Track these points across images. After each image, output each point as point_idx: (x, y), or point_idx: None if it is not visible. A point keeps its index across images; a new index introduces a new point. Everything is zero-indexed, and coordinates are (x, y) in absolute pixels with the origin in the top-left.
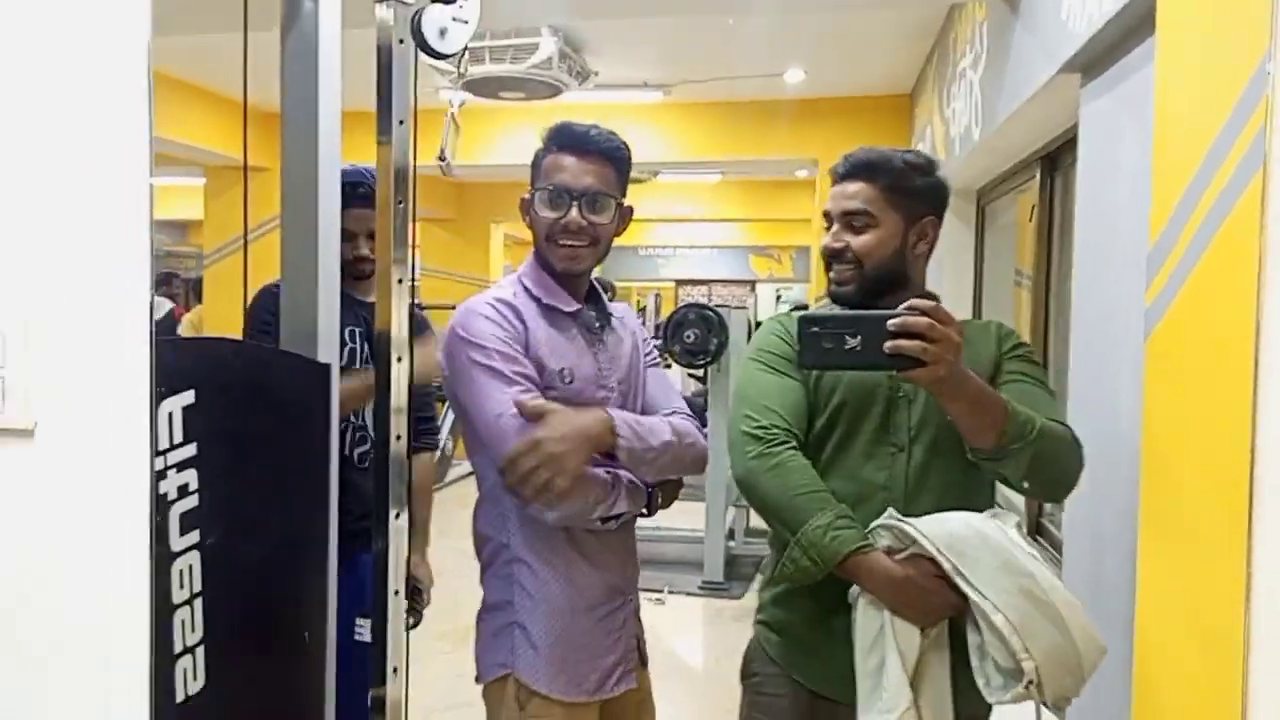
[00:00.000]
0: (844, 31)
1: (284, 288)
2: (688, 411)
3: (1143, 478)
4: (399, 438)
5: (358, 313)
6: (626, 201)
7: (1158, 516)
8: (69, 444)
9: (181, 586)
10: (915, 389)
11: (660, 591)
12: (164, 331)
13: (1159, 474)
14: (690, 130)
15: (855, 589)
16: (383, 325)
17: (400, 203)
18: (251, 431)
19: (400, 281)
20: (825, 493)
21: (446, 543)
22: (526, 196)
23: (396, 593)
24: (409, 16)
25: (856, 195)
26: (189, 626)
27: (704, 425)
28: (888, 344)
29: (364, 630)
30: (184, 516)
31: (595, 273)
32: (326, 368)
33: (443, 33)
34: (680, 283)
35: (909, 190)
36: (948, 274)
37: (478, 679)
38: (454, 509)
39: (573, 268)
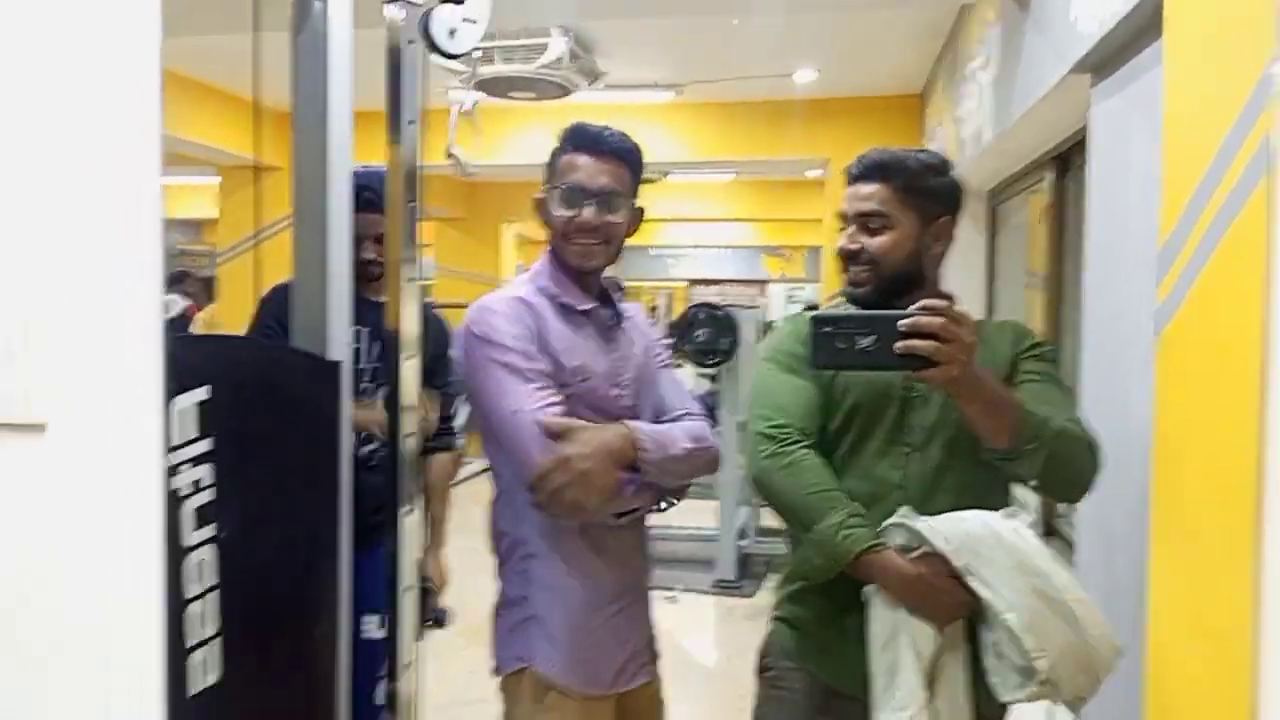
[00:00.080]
0: (855, 32)
1: (295, 286)
2: (699, 412)
3: (1153, 477)
4: (409, 435)
5: (365, 313)
6: (638, 202)
7: (1168, 516)
8: (79, 439)
9: (195, 581)
10: (930, 389)
11: (673, 590)
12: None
13: (1169, 473)
14: (701, 130)
15: (870, 588)
16: (393, 324)
17: (410, 201)
18: (264, 427)
19: (410, 280)
20: (838, 492)
21: (459, 540)
22: (541, 195)
23: (409, 589)
24: (419, 17)
25: (872, 196)
26: (203, 620)
27: (715, 424)
28: (900, 344)
29: (369, 627)
30: (198, 511)
31: (605, 272)
32: (337, 365)
33: (452, 33)
34: (692, 282)
35: (924, 190)
36: (959, 275)
37: (495, 672)
38: (467, 505)
39: (586, 265)
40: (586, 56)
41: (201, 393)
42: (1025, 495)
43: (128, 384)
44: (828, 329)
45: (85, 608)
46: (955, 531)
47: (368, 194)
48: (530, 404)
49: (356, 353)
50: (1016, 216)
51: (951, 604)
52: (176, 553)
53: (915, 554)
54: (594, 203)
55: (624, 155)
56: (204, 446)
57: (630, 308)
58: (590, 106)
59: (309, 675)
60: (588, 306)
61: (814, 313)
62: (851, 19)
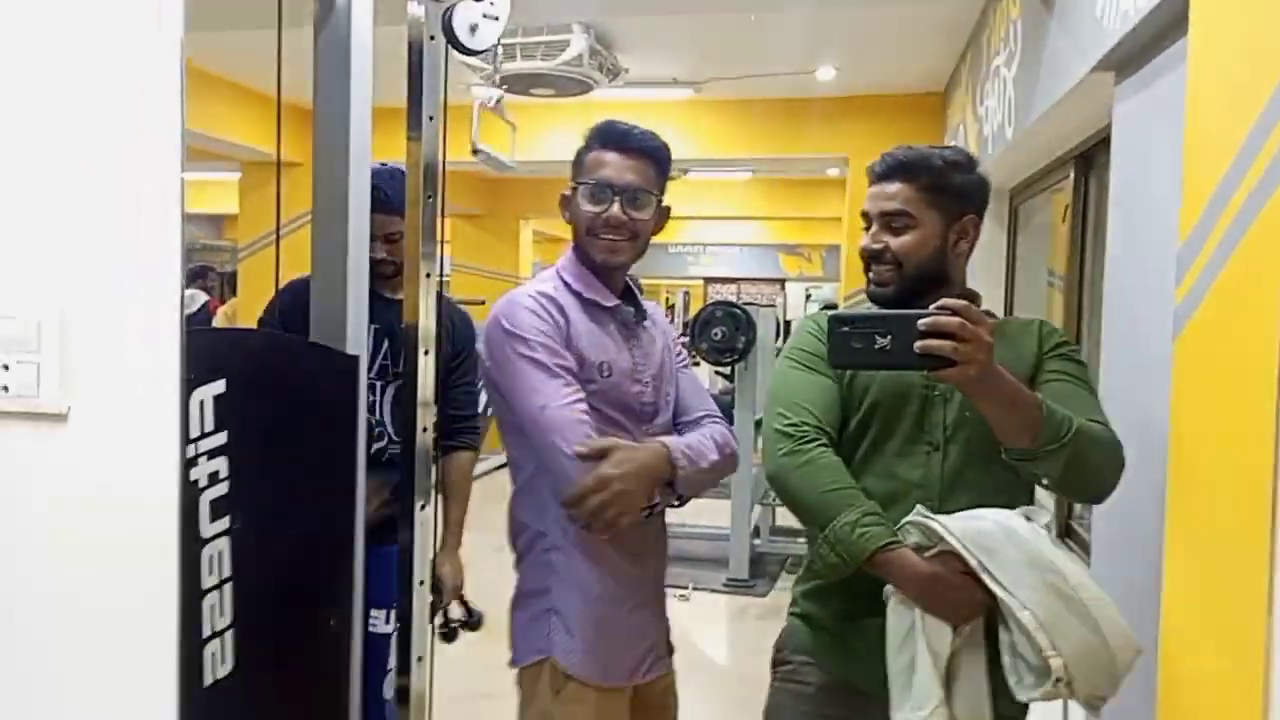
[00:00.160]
0: (877, 29)
1: (314, 281)
2: (719, 413)
3: (1169, 478)
4: (425, 430)
5: (377, 311)
6: (664, 201)
7: (1184, 517)
8: (101, 429)
9: (211, 572)
10: (951, 387)
11: (685, 588)
12: (198, 323)
13: (1186, 474)
14: (720, 128)
15: (889, 587)
16: (411, 318)
17: (430, 197)
18: (280, 421)
19: (428, 275)
20: (855, 490)
21: (469, 536)
22: (567, 192)
23: (421, 583)
24: (440, 13)
25: (895, 196)
26: (218, 611)
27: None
28: (918, 344)
29: (378, 621)
30: (214, 503)
31: None
32: (354, 359)
33: (473, 29)
34: (709, 280)
35: (949, 189)
36: (979, 275)
37: (513, 663)
38: (478, 502)
39: (612, 260)
40: (607, 53)
41: (219, 386)
42: (1042, 495)
43: (147, 376)
44: (846, 328)
45: (103, 596)
46: (969, 530)
47: (377, 193)
48: (557, 400)
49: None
50: (1038, 216)
51: (966, 602)
52: (193, 543)
53: (931, 552)
54: (621, 199)
55: (651, 153)
56: (221, 439)
57: (649, 306)
58: (609, 104)
59: (321, 668)
60: (612, 303)
61: (832, 312)
62: (873, 16)
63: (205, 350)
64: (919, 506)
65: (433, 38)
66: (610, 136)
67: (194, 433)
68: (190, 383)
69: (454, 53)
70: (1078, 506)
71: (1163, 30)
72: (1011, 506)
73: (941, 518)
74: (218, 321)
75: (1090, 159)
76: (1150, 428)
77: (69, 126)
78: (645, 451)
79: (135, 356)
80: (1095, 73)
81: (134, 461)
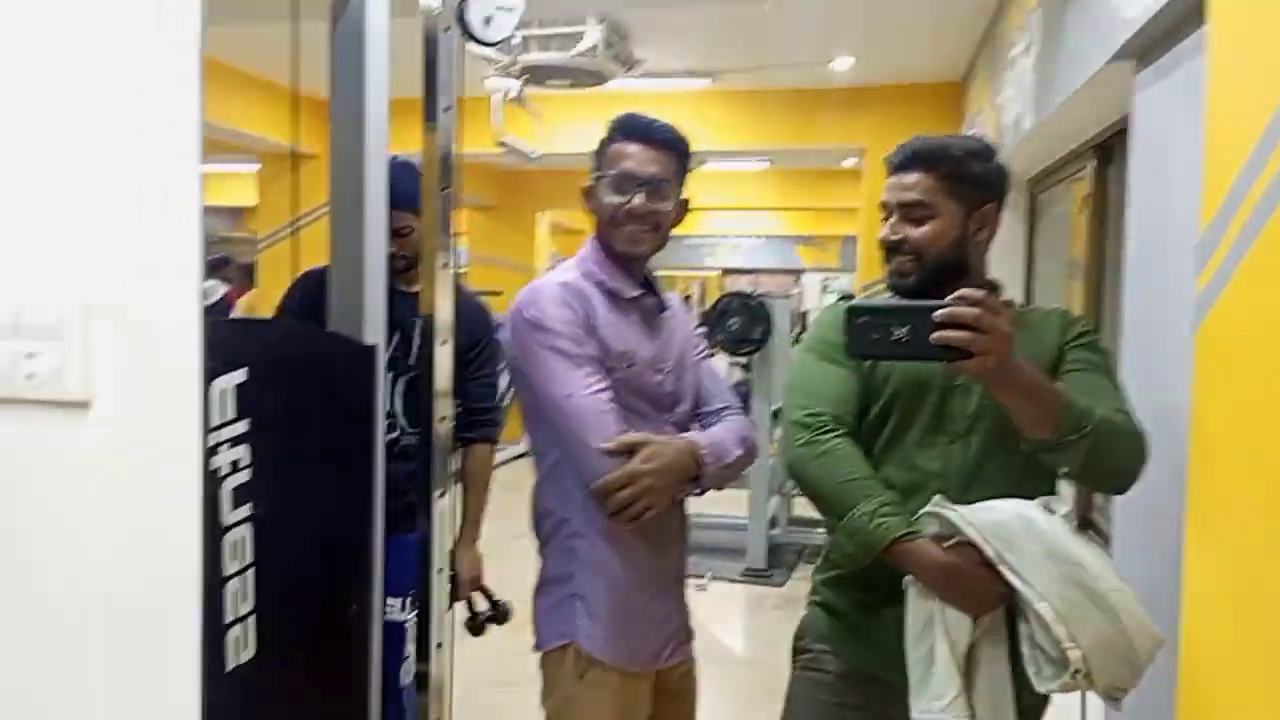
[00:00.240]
0: (894, 18)
1: (332, 271)
2: (738, 405)
3: (1190, 468)
4: (443, 419)
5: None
6: (685, 193)
7: (1205, 507)
8: (124, 417)
9: (234, 558)
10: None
11: (703, 578)
12: (219, 314)
13: (1207, 464)
14: (736, 118)
15: (909, 577)
16: (428, 309)
17: (446, 188)
18: (300, 409)
19: (445, 266)
20: (872, 480)
21: (488, 525)
22: (589, 184)
23: (440, 571)
24: (455, 4)
25: (914, 186)
26: (240, 597)
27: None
28: (935, 335)
29: (393, 609)
30: (236, 491)
31: None
32: (373, 349)
33: (488, 20)
34: (725, 271)
35: (968, 178)
36: (997, 265)
37: (536, 648)
38: (497, 490)
39: (634, 251)
40: (622, 44)
41: (240, 375)
42: (1062, 486)
43: (169, 365)
44: (863, 319)
45: (127, 582)
46: (987, 520)
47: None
48: (581, 389)
49: None
50: (1057, 206)
51: (984, 593)
52: (215, 530)
53: (950, 543)
54: (644, 190)
55: (673, 145)
56: (242, 428)
57: (671, 296)
58: (625, 95)
59: (342, 654)
60: (634, 293)
61: (849, 303)
62: (890, 5)
63: (226, 340)
64: (937, 497)
65: (448, 29)
66: (633, 128)
67: (215, 421)
68: (211, 372)
69: (470, 45)
70: (1097, 497)
71: (1182, 18)
72: (1032, 497)
73: (959, 508)
74: (237, 312)
75: (1109, 148)
76: (1170, 417)
77: (90, 119)
78: (673, 448)
79: (157, 346)
80: (1114, 61)
81: (156, 449)
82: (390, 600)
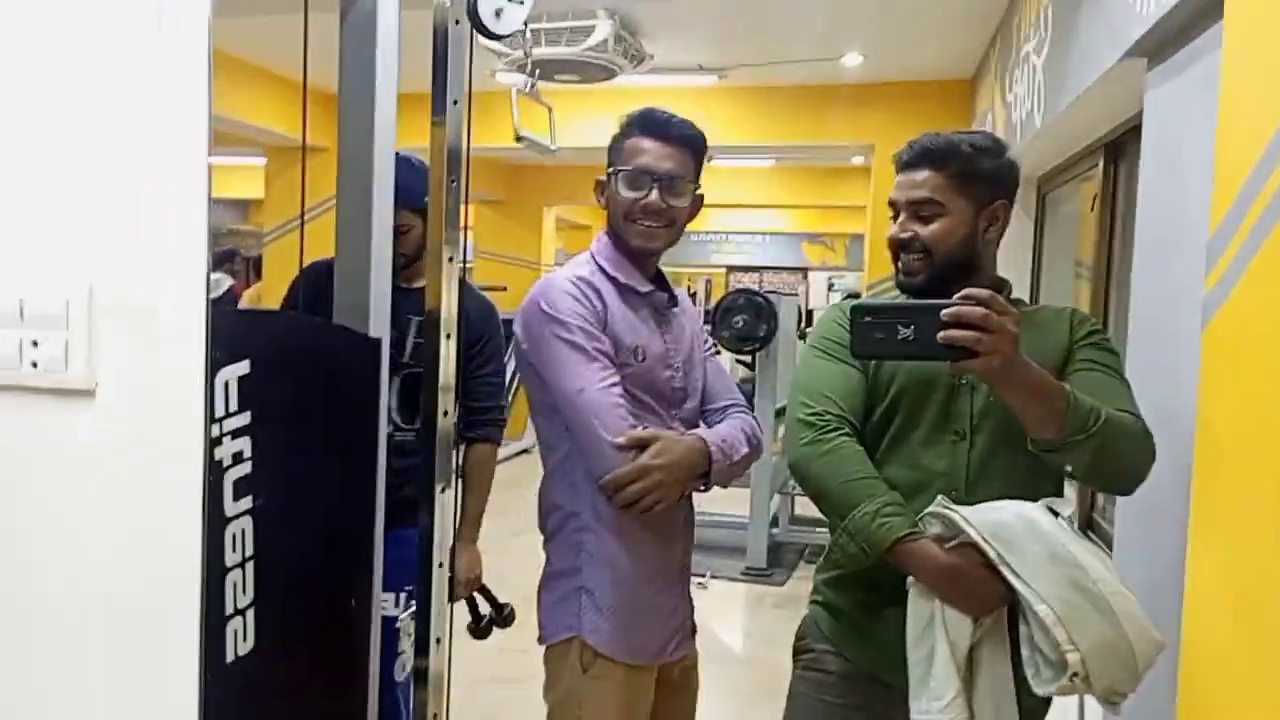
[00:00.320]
0: (904, 15)
1: (338, 264)
2: (744, 403)
3: (1196, 469)
4: (446, 414)
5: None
6: (698, 190)
7: (1210, 509)
8: (128, 406)
9: (234, 550)
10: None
11: (703, 576)
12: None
13: (1213, 465)
14: (744, 115)
15: (911, 577)
16: (433, 304)
17: (453, 182)
18: (303, 401)
19: (450, 260)
20: (876, 480)
21: (488, 522)
22: (603, 178)
23: (440, 566)
24: None
25: (923, 184)
26: (240, 589)
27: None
28: (941, 334)
29: (386, 604)
30: (237, 483)
31: None
32: (377, 342)
33: (498, 13)
34: (731, 269)
35: (978, 175)
36: (1004, 264)
37: (540, 640)
38: (499, 488)
39: (648, 246)
40: (632, 39)
41: (243, 366)
42: (1067, 487)
43: (174, 355)
44: (868, 318)
45: (128, 571)
46: (988, 521)
47: None
48: (594, 383)
49: None
50: (1066, 205)
51: (985, 594)
52: (217, 521)
53: (952, 544)
54: (659, 186)
55: (689, 142)
56: (244, 419)
57: (680, 293)
58: (633, 90)
59: (341, 648)
60: (646, 289)
61: (854, 302)
62: (901, 1)
63: (230, 331)
64: (940, 497)
65: (457, 22)
66: (650, 124)
67: (218, 412)
68: (215, 363)
69: (479, 39)
70: (1100, 498)
71: (1197, 15)
72: (1038, 497)
73: (962, 509)
74: (243, 305)
75: (1120, 147)
76: (1176, 417)
77: (98, 109)
78: (684, 444)
79: (162, 335)
80: (1127, 59)
81: (160, 439)
82: (384, 595)
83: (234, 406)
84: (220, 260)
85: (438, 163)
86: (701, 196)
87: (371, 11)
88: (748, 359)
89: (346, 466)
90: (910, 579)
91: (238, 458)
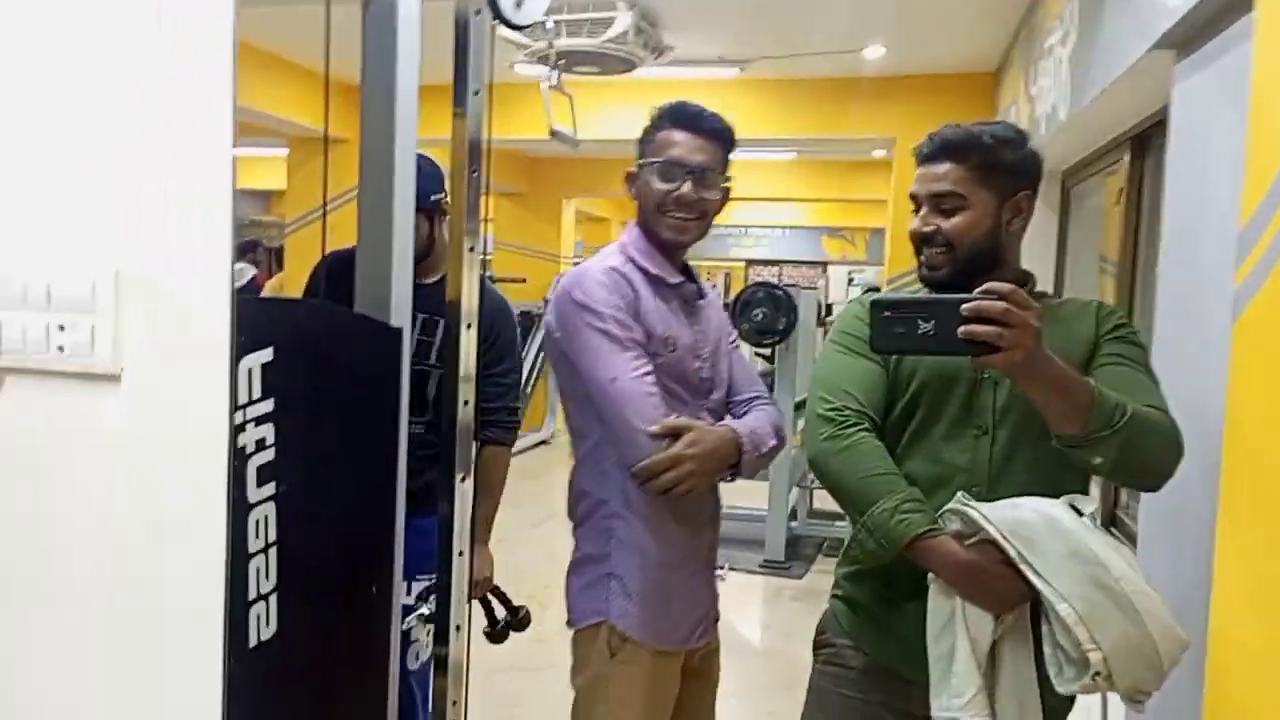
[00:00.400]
0: (927, 7)
1: (360, 256)
2: (768, 395)
3: (1225, 465)
4: (466, 403)
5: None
6: (727, 184)
7: (1239, 506)
8: (153, 391)
9: (257, 536)
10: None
11: (721, 568)
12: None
13: (1243, 461)
14: (765, 107)
15: (931, 574)
16: (454, 294)
17: (474, 172)
18: (325, 389)
19: (471, 250)
20: (895, 475)
21: (507, 513)
22: (633, 170)
23: (461, 554)
24: None
25: (945, 177)
26: (264, 574)
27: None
28: (962, 329)
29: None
30: (260, 469)
31: None
32: (398, 331)
33: (519, 4)
34: (750, 263)
35: (1000, 166)
36: (1027, 259)
37: (569, 624)
38: (518, 479)
39: (679, 239)
40: (652, 31)
41: (267, 354)
42: (1092, 482)
43: (199, 341)
44: (888, 313)
45: (153, 555)
46: (1008, 519)
47: None
48: (627, 372)
49: None
50: (1090, 199)
51: (1006, 592)
52: (241, 507)
53: (971, 540)
54: (691, 178)
55: (720, 135)
56: (267, 406)
57: (706, 285)
58: (654, 82)
59: (363, 635)
60: (676, 280)
61: (874, 296)
62: None
63: (253, 318)
64: (960, 494)
65: (478, 12)
66: (682, 117)
67: (241, 399)
68: (239, 349)
69: (500, 30)
70: (1123, 494)
71: (1226, 7)
72: (1062, 492)
73: (981, 506)
74: (265, 295)
75: (1146, 140)
76: (1203, 413)
77: (125, 97)
78: (715, 435)
79: (188, 321)
80: (1155, 51)
81: (185, 424)
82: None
83: (257, 393)
84: (243, 251)
85: (459, 153)
86: (729, 189)
87: (393, 2)
88: (767, 352)
89: (368, 454)
90: (931, 575)
91: (261, 444)
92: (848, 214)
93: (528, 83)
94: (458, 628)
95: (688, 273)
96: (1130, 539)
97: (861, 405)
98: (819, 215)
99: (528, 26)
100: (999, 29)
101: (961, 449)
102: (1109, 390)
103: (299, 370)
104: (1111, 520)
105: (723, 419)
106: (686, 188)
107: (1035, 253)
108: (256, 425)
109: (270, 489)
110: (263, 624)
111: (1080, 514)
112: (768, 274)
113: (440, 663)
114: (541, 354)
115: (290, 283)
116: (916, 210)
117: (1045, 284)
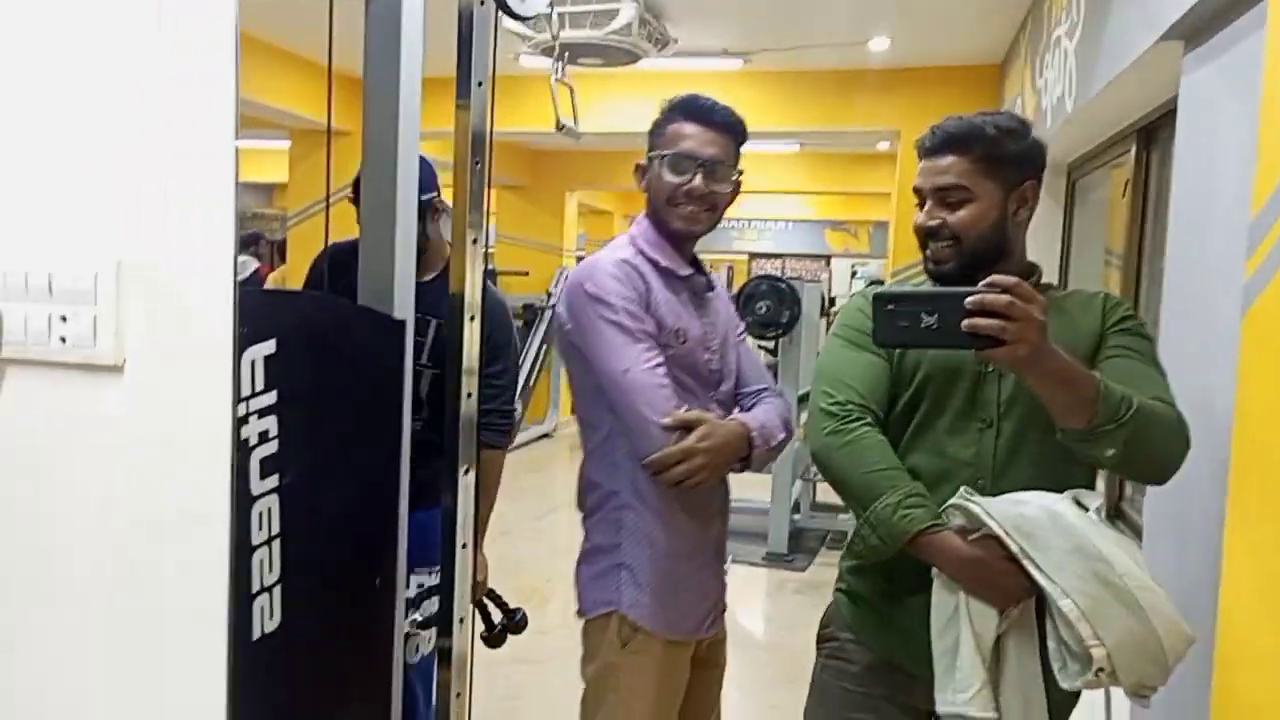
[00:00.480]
0: None
1: (363, 247)
2: (775, 388)
3: (1233, 459)
4: (469, 396)
5: None
6: (738, 177)
7: (1248, 500)
8: (156, 383)
9: (261, 528)
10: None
11: (724, 560)
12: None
13: (1252, 455)
14: (769, 100)
15: (936, 568)
16: (456, 286)
17: (478, 164)
18: (328, 381)
19: (475, 242)
20: (898, 470)
21: (508, 505)
22: (643, 162)
23: (464, 546)
24: None
25: (949, 170)
26: (267, 567)
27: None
28: (965, 322)
29: None
30: (264, 461)
31: None
32: (402, 323)
33: None
34: (753, 256)
35: (1005, 158)
36: (1033, 252)
37: (579, 614)
38: (521, 472)
39: (690, 231)
40: (656, 23)
41: (269, 346)
42: (1097, 476)
43: (201, 333)
44: (891, 307)
45: (157, 547)
46: (1010, 514)
47: None
48: (640, 364)
49: None
50: (1096, 191)
51: (1009, 586)
52: (244, 499)
53: (975, 535)
54: (703, 171)
55: (731, 128)
56: (270, 398)
57: (715, 278)
58: (657, 75)
59: (366, 627)
60: (686, 272)
61: (877, 290)
62: None
63: (256, 310)
64: (963, 488)
65: (482, 3)
66: (694, 109)
67: (244, 391)
68: (242, 341)
69: (504, 21)
70: (1128, 488)
71: None
72: (1068, 486)
73: (984, 501)
74: (268, 287)
75: (1153, 132)
76: (1211, 407)
77: (129, 87)
78: (727, 428)
79: (189, 313)
80: (1163, 42)
81: (188, 416)
82: None
83: (260, 385)
84: (245, 243)
85: (462, 145)
86: (738, 183)
87: None
88: (770, 345)
89: (371, 447)
90: (934, 570)
91: (264, 436)
92: (851, 207)
93: (532, 75)
94: (461, 620)
95: (697, 265)
96: (1135, 532)
97: (864, 399)
98: (822, 208)
99: (532, 18)
100: (1004, 21)
101: (966, 443)
102: (1115, 383)
103: (302, 362)
104: (1116, 513)
105: (731, 410)
106: (697, 180)
107: (1040, 246)
108: (260, 417)
109: (274, 481)
110: (266, 616)
111: (1085, 509)
112: (771, 267)
113: (444, 655)
114: (544, 347)
115: (292, 275)
116: (920, 205)
117: (1050, 278)
